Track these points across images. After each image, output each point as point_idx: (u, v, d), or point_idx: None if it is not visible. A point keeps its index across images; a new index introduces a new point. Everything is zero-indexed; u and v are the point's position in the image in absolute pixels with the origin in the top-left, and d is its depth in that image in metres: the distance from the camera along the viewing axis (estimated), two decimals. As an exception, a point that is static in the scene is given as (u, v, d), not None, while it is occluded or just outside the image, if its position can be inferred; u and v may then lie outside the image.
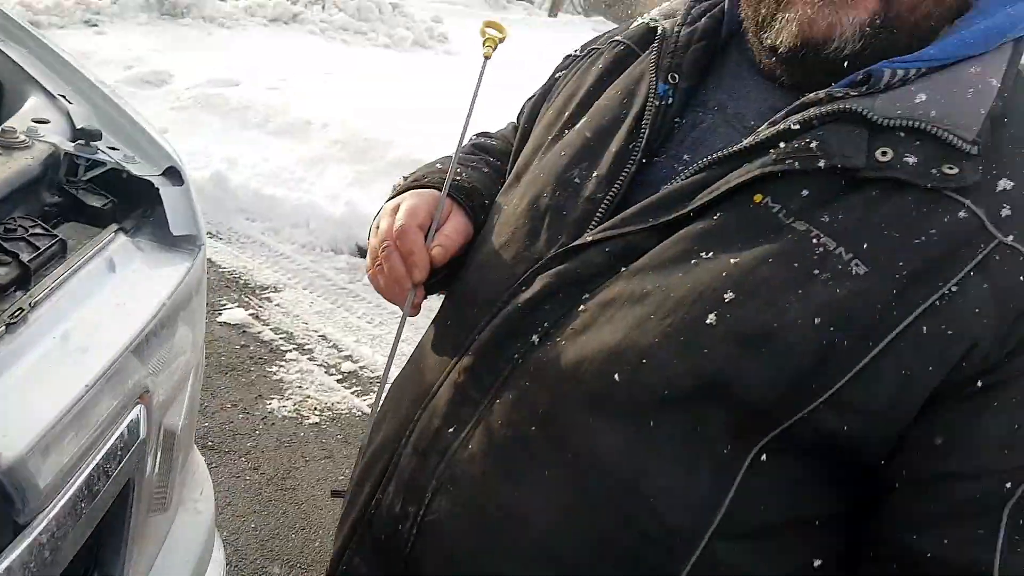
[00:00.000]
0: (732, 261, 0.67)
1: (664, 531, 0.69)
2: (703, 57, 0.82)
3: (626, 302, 0.71)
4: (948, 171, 0.65)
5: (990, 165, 0.66)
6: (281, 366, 3.63)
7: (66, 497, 0.75)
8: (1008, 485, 0.63)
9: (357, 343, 4.00)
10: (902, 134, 0.67)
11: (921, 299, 0.63)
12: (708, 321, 0.67)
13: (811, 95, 0.71)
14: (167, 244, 1.11)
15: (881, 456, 0.67)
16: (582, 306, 0.74)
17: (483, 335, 0.78)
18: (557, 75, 1.00)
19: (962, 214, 0.65)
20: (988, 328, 0.63)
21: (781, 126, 0.70)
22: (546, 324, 0.74)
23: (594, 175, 0.80)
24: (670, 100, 0.80)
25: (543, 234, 0.80)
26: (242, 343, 3.72)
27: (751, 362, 0.66)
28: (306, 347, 3.86)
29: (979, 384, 0.64)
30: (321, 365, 3.72)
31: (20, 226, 0.93)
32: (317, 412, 3.33)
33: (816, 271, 0.65)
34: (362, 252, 5.05)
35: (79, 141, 1.15)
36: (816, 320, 0.64)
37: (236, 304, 4.08)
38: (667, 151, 0.79)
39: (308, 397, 3.42)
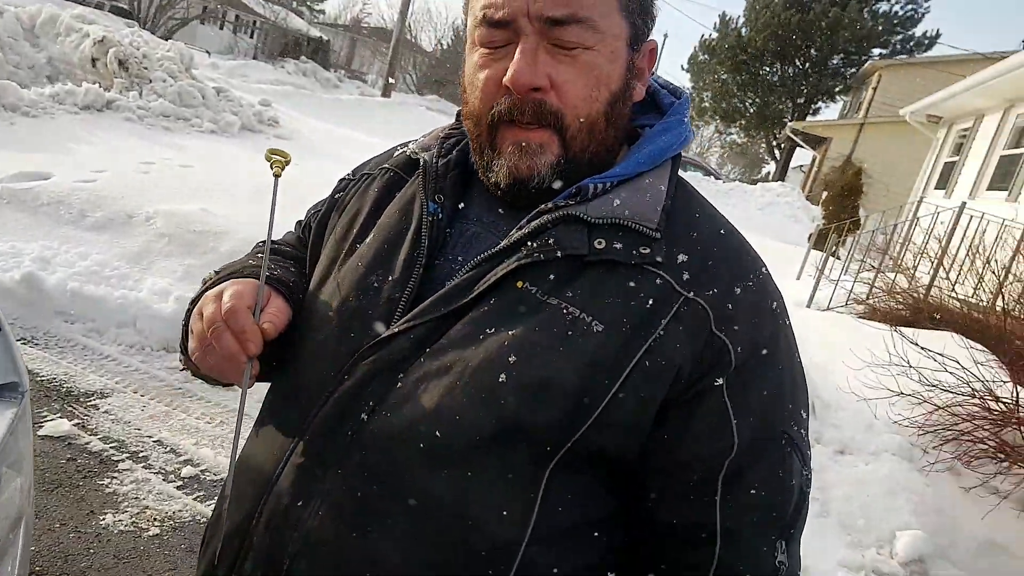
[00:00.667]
0: (510, 333, 0.88)
1: (491, 546, 0.87)
2: (459, 181, 1.04)
3: (435, 375, 0.89)
4: (644, 251, 0.91)
5: (670, 245, 0.92)
6: (114, 477, 3.46)
7: None
8: (717, 462, 0.89)
9: (196, 446, 3.88)
10: (608, 229, 0.92)
11: (641, 343, 0.87)
12: (500, 379, 0.86)
13: (543, 206, 0.94)
14: (-12, 394, 1.10)
15: (635, 456, 0.91)
16: (399, 384, 0.90)
17: (317, 419, 0.91)
18: (336, 195, 1.18)
19: (659, 281, 0.90)
20: (686, 357, 0.88)
21: (525, 230, 0.93)
22: (371, 403, 0.90)
23: (390, 279, 0.97)
24: (440, 215, 1.00)
25: (354, 331, 0.95)
26: (68, 456, 3.51)
27: (535, 405, 0.86)
28: (140, 454, 3.70)
29: (688, 395, 0.89)
30: (158, 472, 3.57)
31: None
32: (157, 523, 3.19)
33: (570, 332, 0.88)
34: (196, 348, 4.91)
35: None
36: (575, 368, 0.86)
37: (59, 414, 3.85)
38: (444, 255, 0.99)
39: (146, 508, 3.28)
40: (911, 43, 29.06)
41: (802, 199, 18.90)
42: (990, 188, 10.47)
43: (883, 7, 28.95)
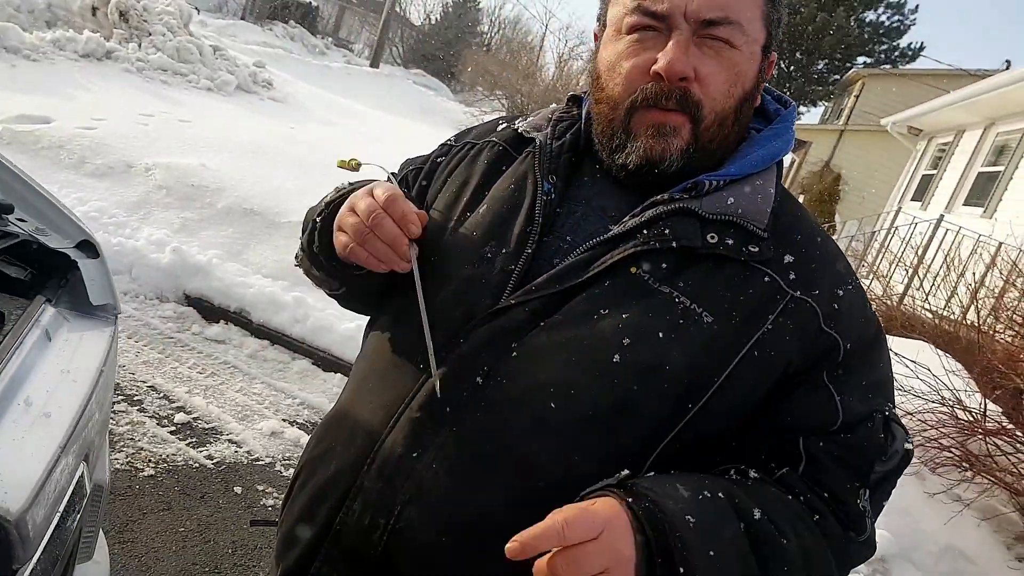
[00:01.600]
0: (624, 316, 0.93)
1: None
2: (571, 164, 1.09)
3: (551, 349, 0.94)
4: (753, 249, 0.96)
5: (777, 245, 0.98)
6: (110, 417, 3.54)
7: (41, 548, 0.85)
8: (823, 427, 0.95)
9: (189, 394, 3.96)
10: (721, 225, 0.97)
11: (750, 335, 0.93)
12: (615, 360, 0.92)
13: (658, 196, 1.00)
14: (87, 312, 1.19)
15: (736, 439, 0.97)
16: (514, 353, 0.95)
17: (433, 379, 0.96)
18: (438, 159, 1.22)
19: (766, 279, 0.96)
20: (796, 349, 0.95)
21: (640, 218, 0.98)
22: (486, 367, 0.95)
23: (503, 251, 1.02)
24: (552, 195, 1.04)
25: (469, 297, 1.00)
26: (67, 395, 3.59)
27: (647, 387, 0.92)
28: (135, 398, 3.78)
29: (797, 379, 0.95)
30: (152, 416, 3.65)
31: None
32: (152, 464, 3.28)
33: (681, 321, 0.93)
34: (190, 301, 4.97)
35: (-9, 214, 1.21)
36: (686, 355, 0.92)
37: (57, 354, 3.92)
38: (553, 233, 1.03)
39: (141, 449, 3.36)
40: (895, 54, 29.36)
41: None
42: (966, 203, 10.65)
43: (870, 16, 29.21)
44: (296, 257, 1.22)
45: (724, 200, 0.98)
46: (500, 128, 1.19)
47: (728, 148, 1.04)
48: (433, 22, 36.09)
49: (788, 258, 0.98)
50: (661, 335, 0.93)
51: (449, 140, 1.25)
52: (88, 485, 0.99)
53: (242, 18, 25.62)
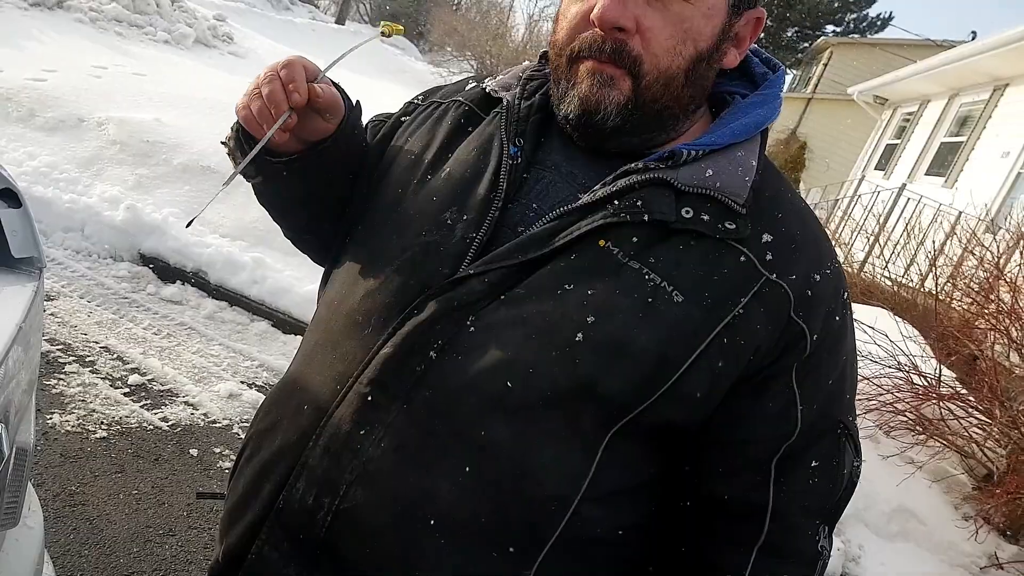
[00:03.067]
0: (589, 292, 0.87)
1: (544, 498, 0.88)
2: (540, 127, 1.01)
3: (510, 324, 0.88)
4: (729, 226, 0.89)
5: (756, 223, 0.91)
6: (60, 379, 3.46)
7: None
8: (777, 444, 0.91)
9: (144, 355, 3.88)
10: (697, 198, 0.90)
11: (720, 318, 0.87)
12: (577, 338, 0.86)
13: (631, 165, 0.93)
14: (8, 265, 1.13)
15: (696, 428, 0.92)
16: (471, 327, 0.89)
17: (385, 351, 0.91)
18: (402, 118, 1.15)
19: (742, 258, 0.89)
20: (765, 337, 0.88)
21: (611, 187, 0.91)
22: (440, 342, 0.89)
23: (464, 218, 0.95)
24: (519, 159, 0.98)
25: (426, 266, 0.94)
26: (15, 355, 3.50)
27: (610, 368, 0.86)
28: (87, 359, 3.70)
29: (760, 376, 0.90)
30: (105, 378, 3.58)
31: None
32: (104, 426, 3.22)
33: (650, 299, 0.87)
34: (145, 260, 4.86)
35: (-88, 162, 1.14)
36: (654, 336, 0.86)
37: (5, 313, 3.82)
38: (519, 200, 0.96)
39: (93, 411, 3.30)
40: (864, 23, 29.52)
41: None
42: (928, 173, 10.78)
43: (840, -16, 29.30)
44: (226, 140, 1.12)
45: (703, 172, 0.91)
46: (468, 88, 1.12)
47: (680, 112, 0.96)
48: (401, -21, 35.54)
49: (766, 237, 0.91)
50: (628, 314, 0.86)
51: (415, 98, 1.18)
52: (6, 448, 0.94)
53: (203, -30, 24.99)
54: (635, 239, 0.89)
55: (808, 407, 0.91)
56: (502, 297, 0.90)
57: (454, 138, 1.05)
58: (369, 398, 0.91)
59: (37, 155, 5.15)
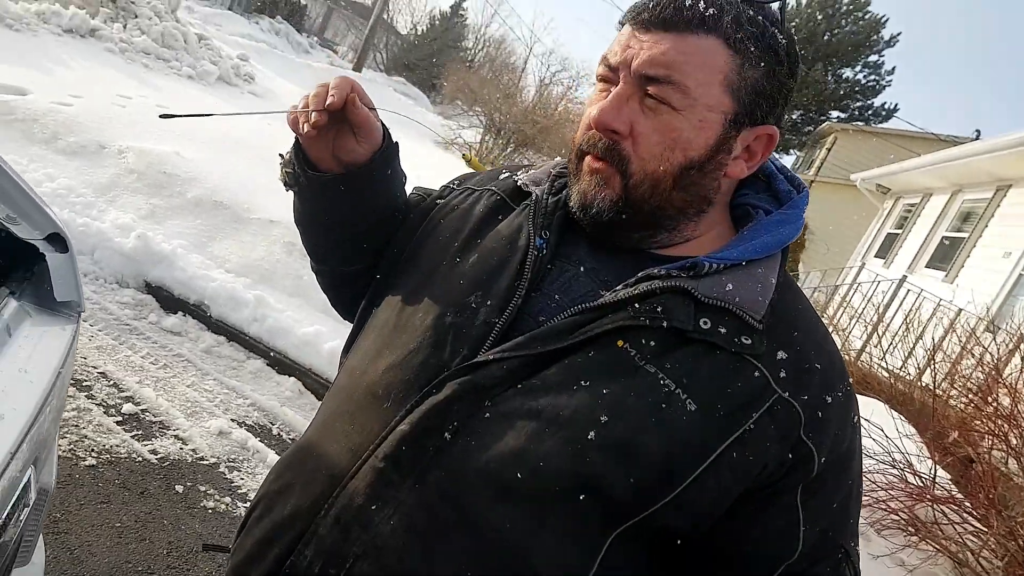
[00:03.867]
0: (604, 391, 0.89)
1: None
2: (566, 221, 1.05)
3: (524, 415, 0.90)
4: (745, 341, 0.91)
5: (772, 339, 0.93)
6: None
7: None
8: (777, 562, 0.92)
9: (140, 384, 3.87)
10: (716, 311, 0.92)
11: (731, 432, 0.88)
12: (589, 436, 0.87)
13: (653, 270, 0.96)
14: (50, 308, 1.15)
15: (700, 538, 0.92)
16: (486, 413, 0.91)
17: (402, 427, 0.93)
18: (437, 200, 1.21)
19: (756, 374, 0.91)
20: (773, 455, 0.90)
21: (633, 290, 0.94)
22: (455, 423, 0.91)
23: (488, 303, 0.99)
24: (544, 251, 1.02)
25: (448, 347, 0.97)
26: (13, 375, 3.48)
27: (619, 469, 0.87)
28: (84, 383, 3.68)
29: (765, 492, 0.91)
30: (100, 404, 3.56)
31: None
32: (95, 454, 3.19)
33: (664, 405, 0.88)
34: (150, 289, 4.87)
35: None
36: (664, 442, 0.87)
37: (7, 331, 3.81)
38: (541, 290, 1.00)
39: (85, 437, 3.27)
40: (869, 112, 30.05)
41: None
42: (929, 266, 10.84)
43: (847, 73, 29.89)
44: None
45: (723, 285, 0.94)
46: (502, 177, 1.17)
47: (676, 213, 1.00)
48: (419, 32, 36.21)
49: (781, 354, 0.93)
50: (641, 416, 0.88)
51: (451, 183, 1.24)
52: (33, 493, 0.94)
53: (229, 8, 25.45)
54: (652, 343, 0.91)
55: (811, 528, 0.92)
56: (519, 385, 0.92)
57: (485, 225, 1.10)
58: (383, 474, 0.92)
59: (56, 177, 5.20)
